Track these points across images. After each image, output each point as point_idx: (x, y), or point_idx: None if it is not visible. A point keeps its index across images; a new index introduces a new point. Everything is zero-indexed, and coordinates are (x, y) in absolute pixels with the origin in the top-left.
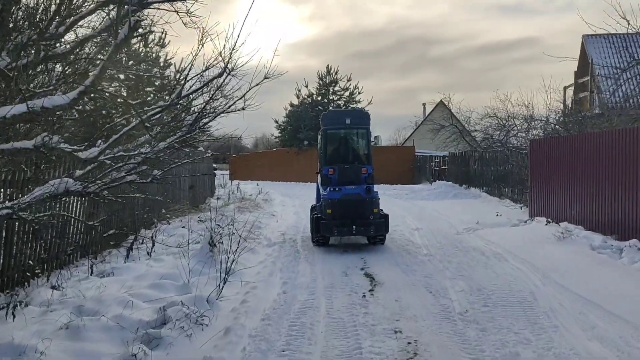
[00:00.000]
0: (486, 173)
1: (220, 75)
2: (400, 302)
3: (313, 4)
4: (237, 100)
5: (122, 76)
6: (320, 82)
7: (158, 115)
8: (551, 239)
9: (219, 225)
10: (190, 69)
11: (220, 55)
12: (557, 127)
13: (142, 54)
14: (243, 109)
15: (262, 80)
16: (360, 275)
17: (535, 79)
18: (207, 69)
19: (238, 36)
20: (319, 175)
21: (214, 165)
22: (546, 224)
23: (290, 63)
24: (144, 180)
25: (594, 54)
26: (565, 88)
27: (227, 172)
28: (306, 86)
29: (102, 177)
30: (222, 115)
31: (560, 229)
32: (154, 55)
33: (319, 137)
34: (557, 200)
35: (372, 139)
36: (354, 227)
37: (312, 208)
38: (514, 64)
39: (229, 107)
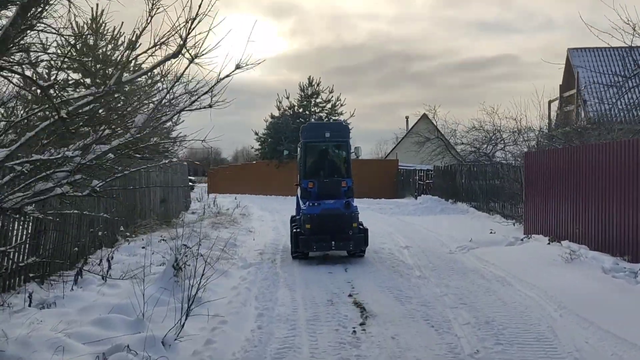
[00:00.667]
0: (474, 187)
1: (175, 55)
2: (398, 340)
3: (295, 19)
4: (203, 95)
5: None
6: (302, 93)
7: (89, 107)
8: (557, 260)
9: (185, 245)
10: (135, 47)
11: (175, 31)
12: (550, 138)
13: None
14: (210, 106)
15: (233, 71)
16: (349, 304)
17: (513, 96)
18: (157, 45)
19: (199, 6)
20: (299, 187)
21: (191, 177)
22: (548, 243)
23: (272, 77)
24: (80, 193)
25: (579, 67)
26: (549, 102)
27: (206, 185)
28: (287, 97)
29: (23, 189)
30: (185, 112)
31: (566, 249)
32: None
33: (299, 149)
34: (556, 216)
35: (352, 150)
36: (333, 242)
37: (292, 219)
38: (493, 80)
39: (192, 103)
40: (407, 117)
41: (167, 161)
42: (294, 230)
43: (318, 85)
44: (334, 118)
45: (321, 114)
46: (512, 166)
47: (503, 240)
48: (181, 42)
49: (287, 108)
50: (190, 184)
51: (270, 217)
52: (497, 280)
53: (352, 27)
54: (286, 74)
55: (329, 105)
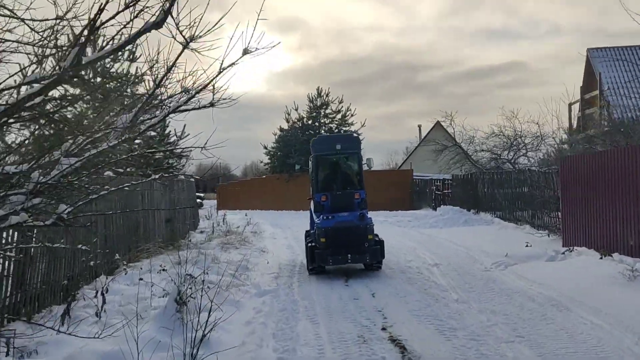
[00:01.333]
0: (497, 196)
1: (157, 24)
2: None
3: (301, 33)
4: (202, 89)
5: None
6: (311, 105)
7: (39, 100)
8: (617, 278)
9: (190, 275)
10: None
11: None
12: (588, 140)
13: None
14: (212, 104)
15: (240, 57)
16: (384, 340)
17: (520, 103)
18: (129, 5)
19: None
20: (312, 201)
21: (200, 194)
22: (600, 258)
23: (279, 91)
24: (42, 223)
25: (601, 67)
26: (570, 104)
27: (215, 201)
28: (296, 109)
29: None
30: (179, 112)
31: (625, 265)
32: None
33: (310, 163)
34: (603, 226)
35: (364, 161)
36: (349, 255)
37: (307, 234)
38: (500, 88)
39: (189, 99)
40: (419, 126)
41: (167, 176)
42: (309, 244)
43: (327, 96)
44: (344, 129)
45: (331, 125)
46: (542, 172)
47: (542, 254)
48: (166, 5)
49: (296, 120)
50: (198, 200)
51: (282, 235)
52: (551, 304)
53: (358, 40)
54: (293, 87)
55: (339, 116)
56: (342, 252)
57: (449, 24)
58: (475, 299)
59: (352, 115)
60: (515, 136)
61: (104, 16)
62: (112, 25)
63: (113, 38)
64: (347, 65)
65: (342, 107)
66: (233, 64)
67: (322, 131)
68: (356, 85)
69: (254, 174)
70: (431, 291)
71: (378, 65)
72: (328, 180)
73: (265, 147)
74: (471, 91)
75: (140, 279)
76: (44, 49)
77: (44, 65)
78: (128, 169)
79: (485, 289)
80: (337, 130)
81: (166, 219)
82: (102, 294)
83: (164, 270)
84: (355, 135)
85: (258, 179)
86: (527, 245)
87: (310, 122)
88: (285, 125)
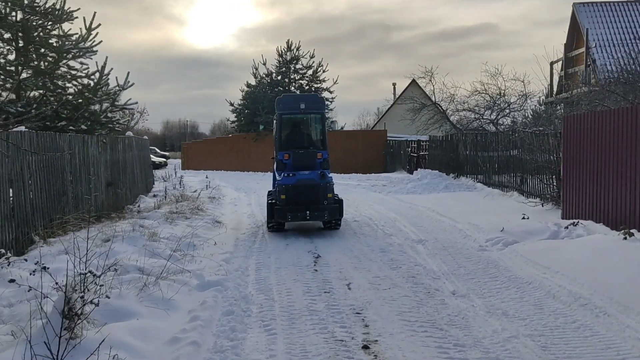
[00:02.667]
0: (481, 160)
1: None
2: None
3: None
4: None
5: None
6: (280, 59)
7: None
8: None
9: (90, 272)
10: None
11: None
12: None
13: None
14: None
15: None
16: (366, 357)
17: (493, 65)
18: None
19: None
20: (275, 160)
21: (165, 153)
22: (625, 238)
23: (251, 49)
24: None
25: (587, 23)
26: (551, 63)
27: (180, 160)
28: (264, 64)
29: None
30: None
31: None
32: None
33: (274, 122)
34: (617, 197)
35: (328, 124)
36: (308, 212)
37: (269, 194)
38: (473, 49)
39: None
40: (394, 84)
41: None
42: (270, 201)
43: (298, 49)
44: (315, 86)
45: (301, 82)
46: (535, 134)
47: (543, 229)
48: None
49: (264, 76)
50: (162, 159)
51: (245, 200)
52: (581, 306)
53: None
54: (265, 44)
55: (310, 72)
56: (302, 208)
57: None
58: (476, 292)
59: (323, 72)
60: (500, 94)
61: None
62: None
63: None
64: (320, 23)
65: (314, 62)
66: None
67: (292, 88)
68: (329, 44)
69: (222, 132)
70: (421, 280)
71: (351, 24)
72: (291, 139)
73: (232, 104)
74: (444, 52)
75: (44, 268)
76: None
77: None
78: (55, 123)
79: (486, 277)
80: (307, 87)
81: (107, 183)
82: None
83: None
84: (320, 96)
85: (224, 138)
86: (523, 217)
87: (279, 77)
88: (253, 82)
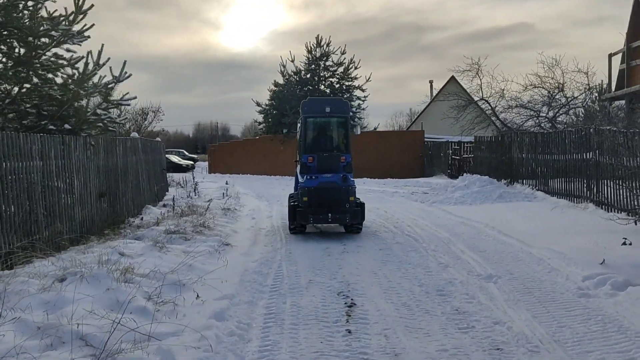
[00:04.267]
0: (542, 164)
1: None
2: None
3: None
4: None
5: None
6: (309, 56)
7: None
8: None
9: None
10: None
11: None
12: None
13: None
14: None
15: None
16: None
17: (529, 65)
18: None
19: None
20: (298, 163)
21: (192, 156)
22: None
23: (284, 52)
24: None
25: None
26: (610, 55)
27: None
28: (292, 61)
29: None
30: None
31: None
32: None
33: (299, 124)
34: None
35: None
36: (330, 214)
37: (290, 197)
38: (507, 50)
39: None
40: (431, 82)
41: (90, 134)
42: (292, 204)
43: (328, 45)
44: (346, 84)
45: (332, 80)
46: (624, 133)
47: None
48: None
49: (292, 74)
50: (190, 162)
51: (266, 211)
52: None
53: None
54: (297, 47)
55: (340, 69)
56: (324, 211)
57: None
58: None
59: (355, 68)
60: (558, 87)
61: None
62: None
63: None
64: (352, 25)
65: (345, 59)
66: None
67: (322, 86)
68: (361, 46)
69: (252, 135)
70: (512, 356)
71: (384, 25)
72: (316, 143)
73: (259, 104)
74: (478, 53)
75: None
76: None
77: None
78: (38, 122)
79: (612, 350)
80: (338, 85)
81: (99, 194)
82: None
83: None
84: (345, 99)
85: (250, 140)
86: (624, 243)
87: (308, 75)
88: (281, 80)
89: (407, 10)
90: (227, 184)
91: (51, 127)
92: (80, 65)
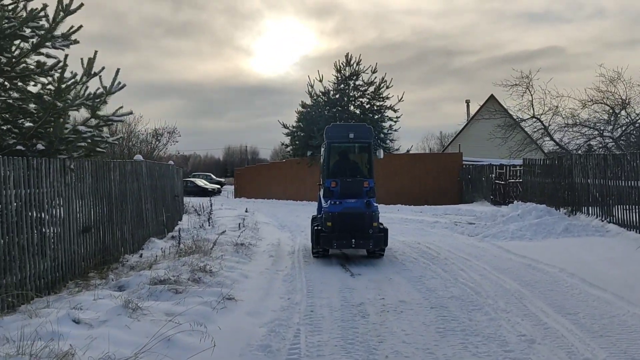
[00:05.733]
0: (615, 191)
1: None
2: None
3: (338, 17)
4: None
5: None
6: (338, 75)
7: None
8: None
9: None
10: None
11: None
12: None
13: None
14: None
15: None
16: None
17: (561, 87)
18: None
19: None
20: (321, 187)
21: (219, 180)
22: None
23: (314, 76)
24: None
25: None
26: None
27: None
28: (320, 81)
29: None
30: None
31: None
32: None
33: (322, 149)
34: None
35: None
36: (354, 240)
37: (313, 219)
38: (538, 73)
39: None
40: (467, 102)
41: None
42: (316, 227)
43: (358, 64)
44: (377, 104)
45: (362, 100)
46: None
47: None
48: None
49: (320, 94)
50: (217, 186)
51: (288, 245)
52: None
53: (395, 24)
54: (328, 72)
55: (371, 89)
56: (347, 236)
57: (490, 5)
58: None
59: (387, 88)
60: (622, 104)
61: None
62: None
63: None
64: (383, 50)
65: (376, 78)
66: None
67: (351, 107)
68: (392, 70)
69: (280, 158)
70: None
71: (414, 50)
72: (339, 168)
73: (285, 126)
74: (508, 76)
75: None
76: None
77: None
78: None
79: None
80: (368, 106)
81: (83, 228)
82: None
83: None
84: (368, 126)
85: (277, 163)
86: None
87: (337, 96)
88: (308, 101)
89: (436, 34)
90: (246, 211)
91: (19, 147)
92: (67, 72)
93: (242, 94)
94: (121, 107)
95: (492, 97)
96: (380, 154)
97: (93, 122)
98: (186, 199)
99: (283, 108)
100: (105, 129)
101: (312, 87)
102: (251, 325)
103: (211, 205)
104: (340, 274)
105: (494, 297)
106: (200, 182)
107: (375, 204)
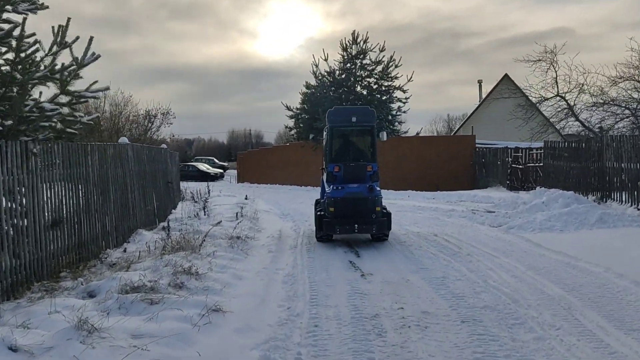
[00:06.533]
0: None
1: None
2: None
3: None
4: None
5: None
6: (344, 54)
7: None
8: None
9: None
10: None
11: None
12: None
13: None
14: None
15: None
16: None
17: (582, 66)
18: None
19: None
20: (324, 171)
21: (222, 164)
22: None
23: (318, 56)
24: None
25: None
26: None
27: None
28: (325, 60)
29: None
30: None
31: None
32: None
33: (324, 133)
34: None
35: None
36: (357, 225)
37: (316, 203)
38: (563, 47)
39: None
40: (480, 82)
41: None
42: (319, 213)
43: (365, 42)
44: (386, 84)
45: (369, 80)
46: None
47: None
48: None
49: (325, 74)
50: (219, 171)
51: (291, 238)
52: None
53: (402, 5)
54: (332, 55)
55: (379, 68)
56: (350, 221)
57: None
58: None
59: (396, 67)
60: None
61: None
62: None
63: None
64: (389, 32)
65: (384, 56)
66: None
67: (358, 87)
68: (398, 52)
69: (284, 142)
70: None
71: (421, 32)
72: (342, 152)
73: (289, 108)
74: (516, 58)
75: None
76: None
77: None
78: None
79: None
80: (376, 86)
81: (53, 221)
82: None
83: None
84: (371, 108)
85: (280, 147)
86: None
87: (343, 76)
88: (313, 81)
89: (443, 16)
90: (246, 199)
91: None
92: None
93: (247, 77)
94: (96, 82)
95: (506, 76)
96: (383, 136)
97: (64, 99)
98: (186, 185)
99: (288, 91)
100: (80, 108)
101: (316, 66)
102: (240, 349)
103: (209, 192)
104: (348, 273)
105: (537, 306)
106: (203, 167)
107: (378, 188)
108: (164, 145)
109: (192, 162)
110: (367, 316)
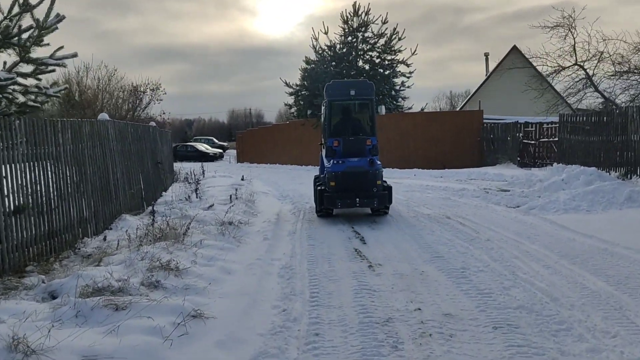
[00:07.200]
0: None
1: None
2: None
3: None
4: None
5: None
6: (345, 27)
7: None
8: None
9: None
10: None
11: None
12: None
13: None
14: None
15: None
16: None
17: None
18: None
19: None
20: (322, 146)
21: (222, 144)
22: None
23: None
24: None
25: None
26: None
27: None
28: (325, 33)
29: None
30: None
31: None
32: None
33: (323, 108)
34: None
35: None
36: (357, 199)
37: (316, 179)
38: (583, 12)
39: None
40: (486, 55)
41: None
42: (319, 187)
43: (367, 14)
44: (389, 58)
45: (371, 54)
46: None
47: None
48: None
49: (325, 48)
50: (219, 150)
51: (290, 222)
52: None
53: None
54: (335, 30)
55: (382, 41)
56: (351, 195)
57: None
58: None
59: (399, 39)
60: None
61: None
62: None
63: None
64: (390, 8)
65: (387, 29)
66: None
67: (360, 62)
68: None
69: (284, 120)
70: None
71: (422, 8)
72: (341, 126)
73: (289, 85)
74: (520, 34)
75: None
76: None
77: None
78: None
79: None
80: (379, 60)
81: (15, 208)
82: None
83: None
84: (369, 82)
85: (280, 126)
86: None
87: (344, 50)
88: (313, 56)
89: None
90: (242, 180)
91: None
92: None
93: (247, 56)
94: (61, 47)
95: (515, 48)
96: (382, 110)
97: (27, 68)
98: (180, 165)
99: (288, 70)
100: (43, 78)
101: (316, 40)
102: None
103: (203, 173)
104: (354, 264)
105: (581, 306)
106: (202, 147)
107: (379, 162)
108: (152, 123)
109: (191, 142)
110: (379, 321)
